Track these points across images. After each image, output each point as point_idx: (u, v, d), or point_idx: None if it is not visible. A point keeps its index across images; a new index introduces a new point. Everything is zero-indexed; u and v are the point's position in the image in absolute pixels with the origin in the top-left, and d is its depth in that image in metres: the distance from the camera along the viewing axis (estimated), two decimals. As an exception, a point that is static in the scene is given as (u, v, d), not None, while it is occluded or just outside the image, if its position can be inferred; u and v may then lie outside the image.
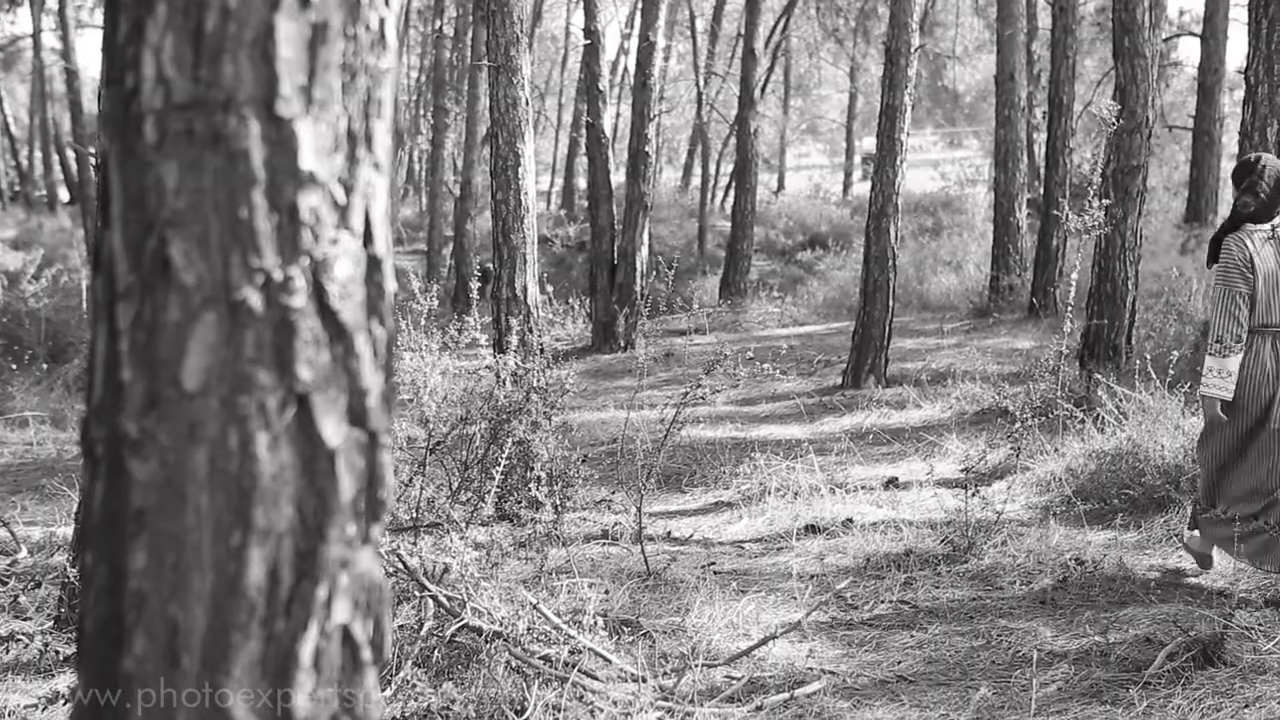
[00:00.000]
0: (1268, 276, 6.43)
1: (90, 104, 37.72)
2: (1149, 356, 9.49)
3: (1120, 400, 9.16)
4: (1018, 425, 8.32)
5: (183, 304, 2.04)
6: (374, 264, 2.20)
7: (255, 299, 2.04)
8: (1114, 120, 10.59)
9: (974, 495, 7.65)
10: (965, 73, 37.52)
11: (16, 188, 44.40)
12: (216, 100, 2.00)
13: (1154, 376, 9.07)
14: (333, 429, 2.12)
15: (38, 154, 45.69)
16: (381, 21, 2.15)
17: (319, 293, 2.09)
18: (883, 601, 6.66)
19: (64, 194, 41.13)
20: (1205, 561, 6.83)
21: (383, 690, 2.12)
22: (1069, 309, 9.80)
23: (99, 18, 40.58)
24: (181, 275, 2.04)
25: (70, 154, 39.41)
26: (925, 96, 33.94)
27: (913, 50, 12.95)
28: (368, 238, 2.17)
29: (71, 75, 35.16)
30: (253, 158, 2.03)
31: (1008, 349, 14.36)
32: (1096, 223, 9.94)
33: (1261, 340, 6.48)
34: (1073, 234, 10.00)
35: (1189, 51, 70.53)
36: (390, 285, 2.23)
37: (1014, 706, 5.22)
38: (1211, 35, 21.01)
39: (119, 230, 2.08)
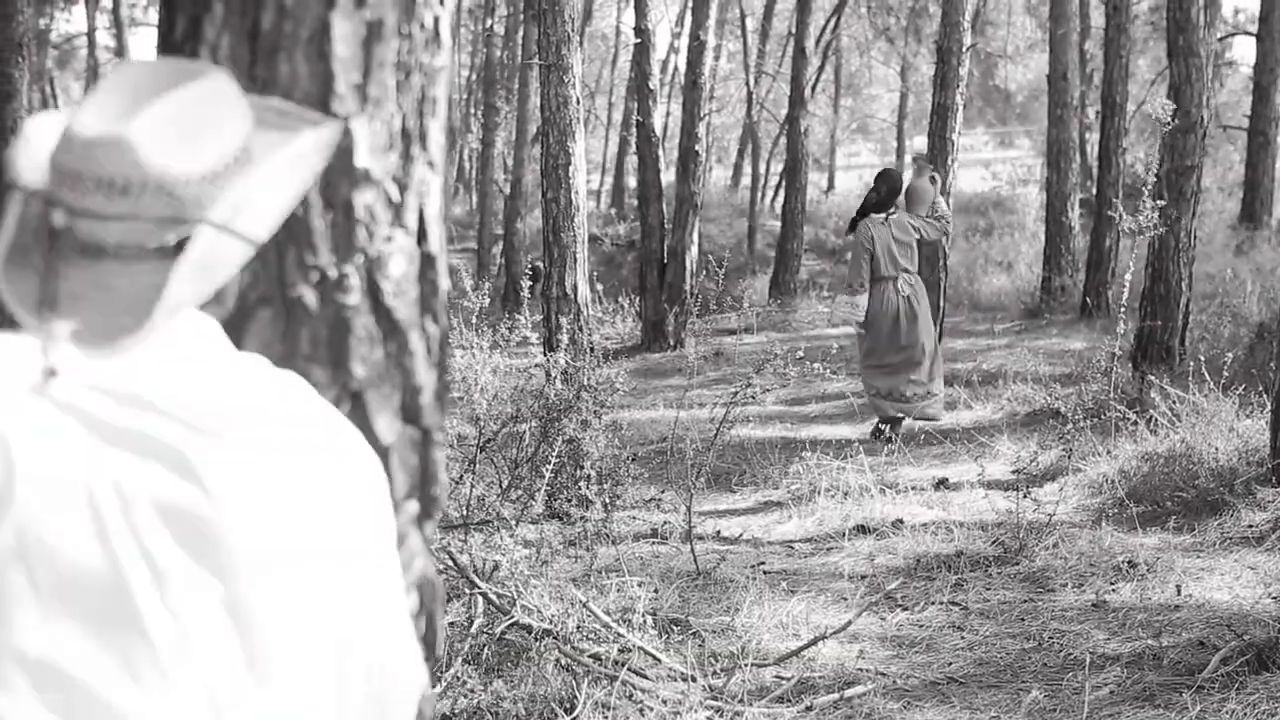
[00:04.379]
0: None
1: (144, 102, 37.92)
2: (1203, 358, 9.40)
3: (1173, 402, 9.08)
4: (1070, 426, 8.26)
5: (239, 301, 2.05)
6: (428, 261, 2.20)
7: (310, 296, 2.05)
8: (1168, 120, 10.50)
9: (1025, 496, 7.60)
10: (1017, 72, 37.32)
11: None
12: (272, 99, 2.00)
13: (1208, 378, 8.99)
14: (386, 426, 2.13)
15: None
16: (436, 20, 2.16)
17: (373, 290, 2.10)
18: (933, 603, 6.63)
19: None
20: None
21: (434, 687, 2.13)
22: (1122, 310, 9.73)
23: (153, 16, 40.88)
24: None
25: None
26: (977, 95, 33.81)
27: (964, 49, 12.89)
28: (422, 235, 2.18)
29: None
30: (308, 156, 2.03)
31: (1059, 350, 14.26)
32: (1151, 223, 9.86)
33: None
34: (1126, 234, 9.92)
35: (1244, 51, 69.94)
36: (444, 283, 2.24)
37: (1066, 709, 5.19)
38: (1267, 34, 20.79)
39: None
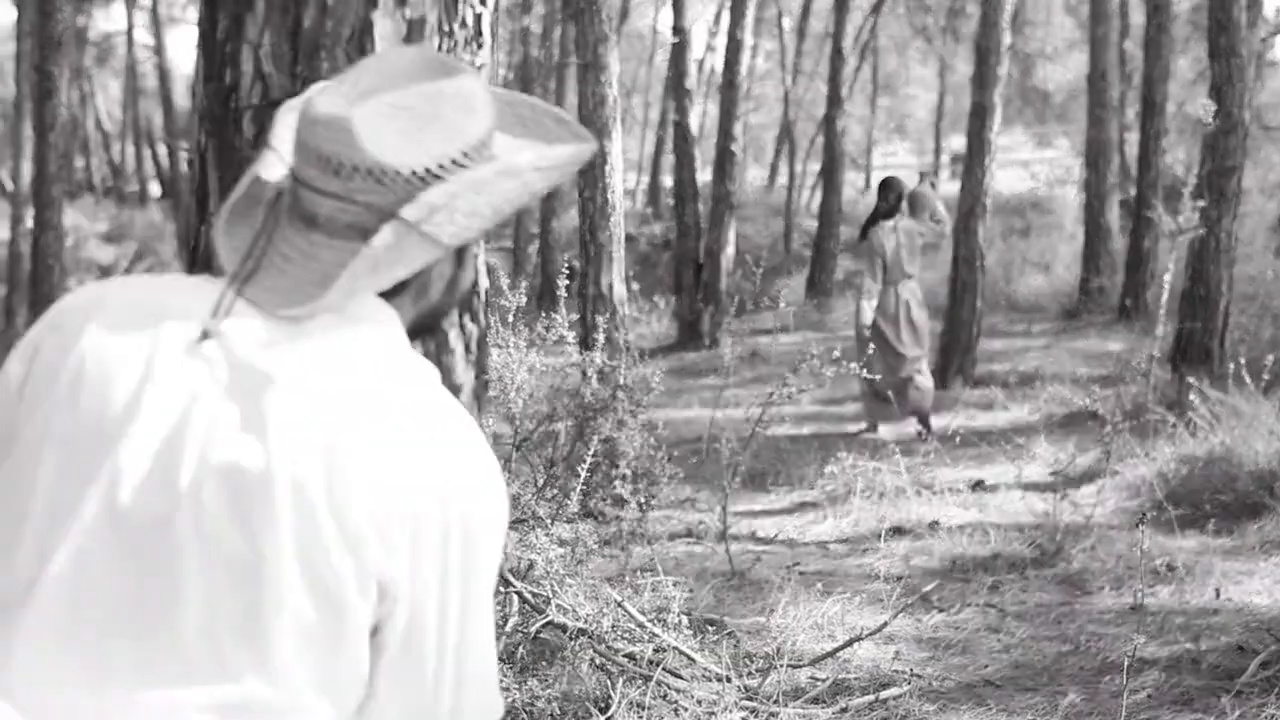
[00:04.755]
0: None
1: (181, 99, 38.18)
2: (1243, 360, 9.34)
3: (1213, 404, 9.02)
4: (1108, 429, 8.22)
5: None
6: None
7: (350, 294, 2.05)
8: (1209, 120, 10.43)
9: (1063, 498, 7.56)
10: (1055, 71, 37.10)
11: (109, 182, 45.04)
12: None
13: (1248, 380, 8.92)
14: (425, 424, 2.12)
15: (129, 149, 46.30)
16: (477, 18, 2.16)
17: (412, 288, 2.09)
18: (969, 605, 6.60)
19: (155, 188, 41.65)
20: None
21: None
22: (1161, 311, 9.67)
23: (190, 14, 41.07)
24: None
25: (162, 149, 39.92)
26: (1015, 95, 33.64)
27: (1003, 49, 12.83)
28: (460, 235, 2.18)
29: (164, 71, 35.65)
30: (349, 154, 2.03)
31: (1098, 351, 14.19)
32: (1191, 225, 9.80)
33: None
34: (1166, 236, 9.86)
35: (1286, 51, 69.21)
36: (483, 282, 2.24)
37: (1103, 713, 5.16)
38: (1310, 34, 20.65)
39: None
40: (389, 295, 1.76)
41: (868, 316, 10.93)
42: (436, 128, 1.68)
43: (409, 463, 1.61)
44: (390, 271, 1.69)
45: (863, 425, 11.41)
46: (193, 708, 1.57)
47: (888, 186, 11.28)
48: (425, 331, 1.97)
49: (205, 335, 1.61)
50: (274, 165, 1.75)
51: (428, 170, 1.67)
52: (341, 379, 1.63)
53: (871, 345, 10.35)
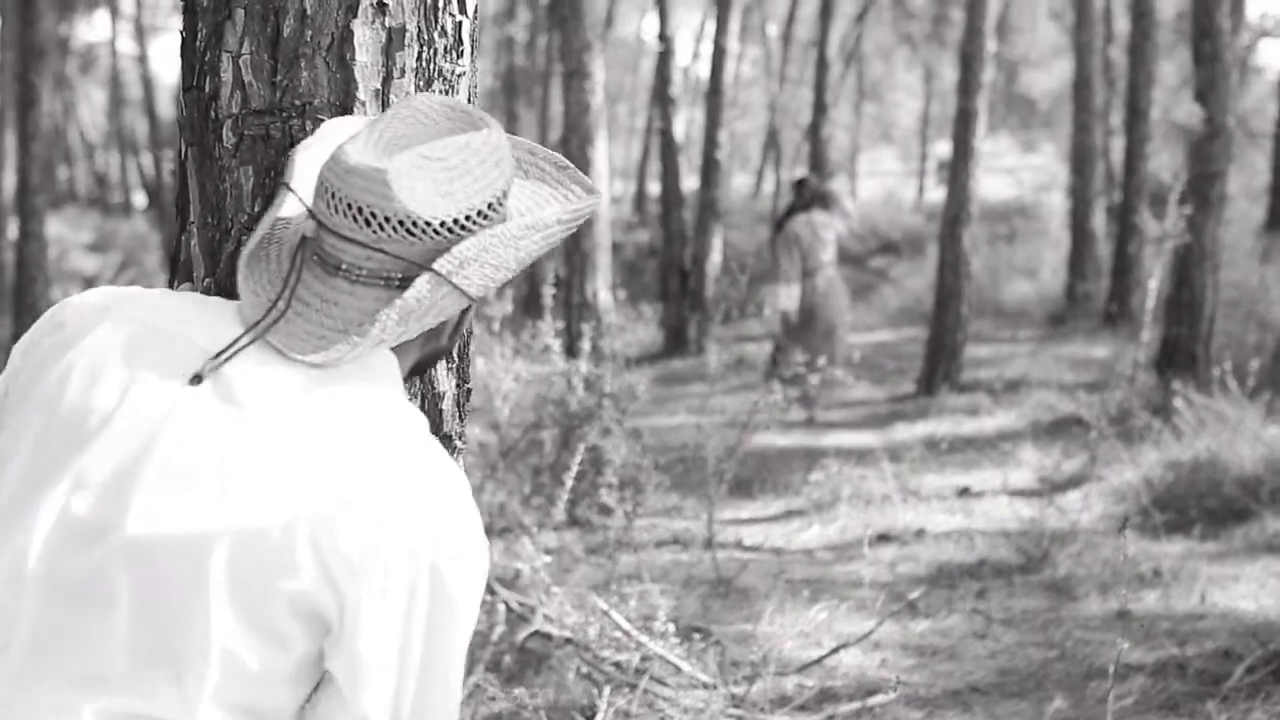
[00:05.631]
0: None
1: (165, 109, 38.16)
2: (1228, 366, 9.36)
3: (1198, 409, 9.04)
4: (1094, 434, 8.23)
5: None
6: (449, 269, 2.20)
7: (331, 304, 2.04)
8: (1194, 126, 10.46)
9: (1049, 505, 7.57)
10: (1040, 78, 37.20)
11: (94, 192, 44.97)
12: (293, 105, 2.01)
13: (1233, 386, 8.94)
14: (407, 434, 2.12)
15: (114, 158, 46.24)
16: (458, 26, 2.16)
17: (394, 297, 2.09)
18: (956, 611, 6.61)
19: (140, 199, 41.60)
20: None
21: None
22: (1146, 317, 9.69)
23: (174, 23, 41.03)
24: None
25: (146, 158, 39.87)
26: (1000, 101, 33.72)
27: (988, 55, 12.85)
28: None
29: (148, 80, 35.60)
30: (329, 162, 2.03)
31: (1083, 357, 14.21)
32: (1176, 230, 9.82)
33: None
34: (1151, 241, 9.87)
35: (1271, 55, 69.63)
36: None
37: (1089, 719, 5.16)
38: (1293, 39, 20.70)
39: (197, 234, 2.09)
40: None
41: (788, 303, 11.83)
42: (466, 181, 1.72)
43: (379, 513, 1.63)
44: (420, 322, 1.74)
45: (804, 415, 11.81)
46: (92, 712, 1.60)
47: (803, 184, 12.41)
48: (421, 372, 2.00)
49: (198, 379, 1.64)
50: (293, 205, 1.78)
51: (456, 222, 1.71)
52: (326, 427, 1.66)
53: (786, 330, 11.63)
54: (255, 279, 1.78)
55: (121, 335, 1.70)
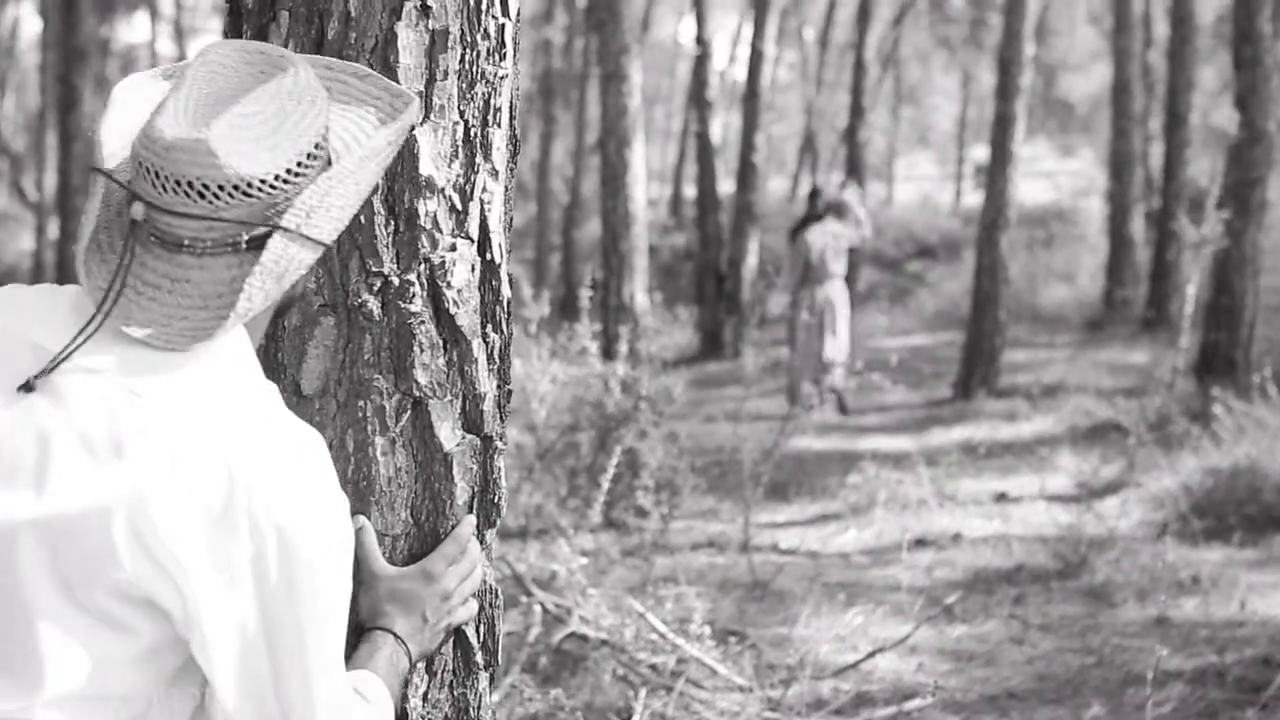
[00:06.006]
0: None
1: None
2: (1268, 372, 9.29)
3: (1238, 416, 8.98)
4: (1132, 440, 8.18)
5: (302, 309, 2.06)
6: (490, 270, 2.20)
7: (373, 304, 2.05)
8: (1234, 131, 10.39)
9: (1086, 511, 7.53)
10: (1079, 82, 37.01)
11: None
12: (336, 107, 2.01)
13: (1273, 392, 8.88)
14: (448, 433, 2.13)
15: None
16: (500, 28, 2.16)
17: (435, 298, 2.10)
18: (993, 616, 6.58)
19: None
20: None
21: (492, 695, 2.14)
22: (1185, 323, 9.64)
23: (213, 25, 41.21)
24: (302, 280, 2.06)
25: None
26: (1038, 106, 33.55)
27: (1026, 60, 12.81)
28: (484, 244, 2.18)
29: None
30: (372, 164, 2.04)
31: (1121, 363, 14.15)
32: (1215, 236, 9.76)
33: None
34: (1190, 247, 9.83)
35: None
36: (506, 291, 2.24)
37: (1127, 726, 5.14)
38: (1335, 43, 20.53)
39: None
40: None
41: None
42: (287, 128, 1.69)
43: (197, 488, 1.60)
44: (281, 282, 1.70)
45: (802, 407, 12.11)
46: None
47: (815, 195, 12.97)
48: (283, 315, 2.00)
49: (28, 387, 1.62)
50: (113, 189, 1.73)
51: (289, 172, 1.68)
52: (155, 408, 1.63)
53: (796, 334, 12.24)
54: (94, 273, 1.72)
55: None
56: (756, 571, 7.23)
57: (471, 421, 2.18)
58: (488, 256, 2.19)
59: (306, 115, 1.71)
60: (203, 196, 1.64)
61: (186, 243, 1.67)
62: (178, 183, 1.63)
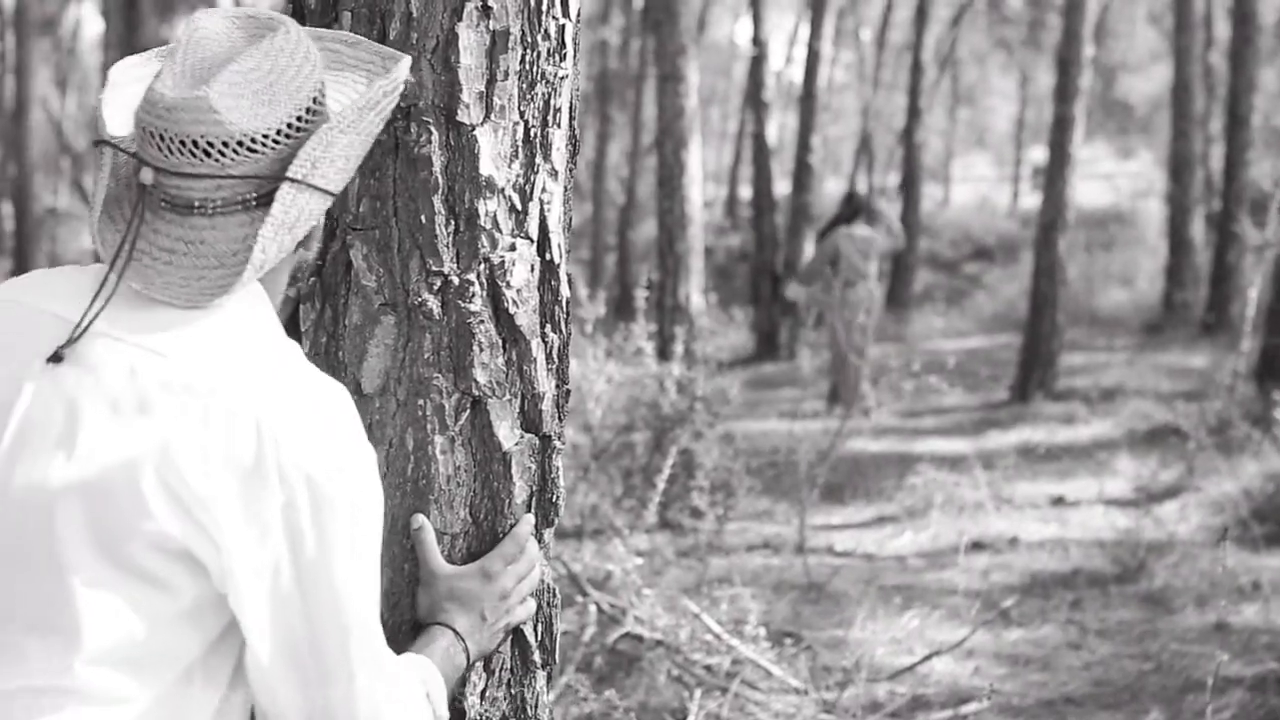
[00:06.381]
0: None
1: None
2: (1331, 376, 9.20)
3: (1300, 420, 8.89)
4: (1191, 444, 8.11)
5: (363, 307, 2.07)
6: (549, 270, 2.21)
7: (433, 303, 2.06)
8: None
9: (1145, 515, 7.48)
10: (1139, 83, 36.74)
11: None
12: (399, 108, 2.02)
13: (1336, 397, 8.79)
14: (507, 433, 2.14)
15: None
16: (561, 29, 2.17)
17: (495, 298, 2.11)
18: (1050, 621, 6.54)
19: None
20: None
21: (548, 694, 2.14)
22: (1246, 326, 9.55)
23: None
24: (362, 279, 2.07)
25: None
26: (1097, 108, 33.31)
27: (1085, 61, 12.72)
28: (543, 244, 2.19)
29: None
30: (433, 164, 2.06)
31: (1181, 366, 14.03)
32: (1277, 238, 9.66)
33: None
34: (1251, 249, 9.73)
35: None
36: (565, 291, 2.24)
37: (1186, 732, 5.10)
38: (1399, 45, 20.32)
39: (303, 234, 2.11)
40: None
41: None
42: (284, 81, 1.71)
43: (225, 438, 1.62)
44: (291, 234, 1.73)
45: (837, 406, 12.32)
46: None
47: (848, 199, 12.89)
48: (296, 285, 2.02)
49: (57, 358, 1.65)
50: (120, 158, 1.76)
51: (290, 126, 1.71)
52: (180, 366, 1.65)
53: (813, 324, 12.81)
54: (110, 244, 1.75)
55: None
56: (812, 573, 7.22)
57: (530, 421, 2.19)
58: (547, 256, 2.20)
59: (303, 69, 1.74)
60: (208, 154, 1.67)
61: (197, 204, 1.70)
62: (183, 143, 1.66)
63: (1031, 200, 32.44)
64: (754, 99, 18.30)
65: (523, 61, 2.12)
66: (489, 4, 2.06)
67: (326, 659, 1.69)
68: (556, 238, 2.22)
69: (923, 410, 12.42)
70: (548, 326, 2.21)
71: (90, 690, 1.61)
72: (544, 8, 2.13)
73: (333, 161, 1.74)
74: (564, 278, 2.25)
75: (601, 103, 27.92)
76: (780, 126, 31.17)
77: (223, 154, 1.66)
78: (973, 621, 6.28)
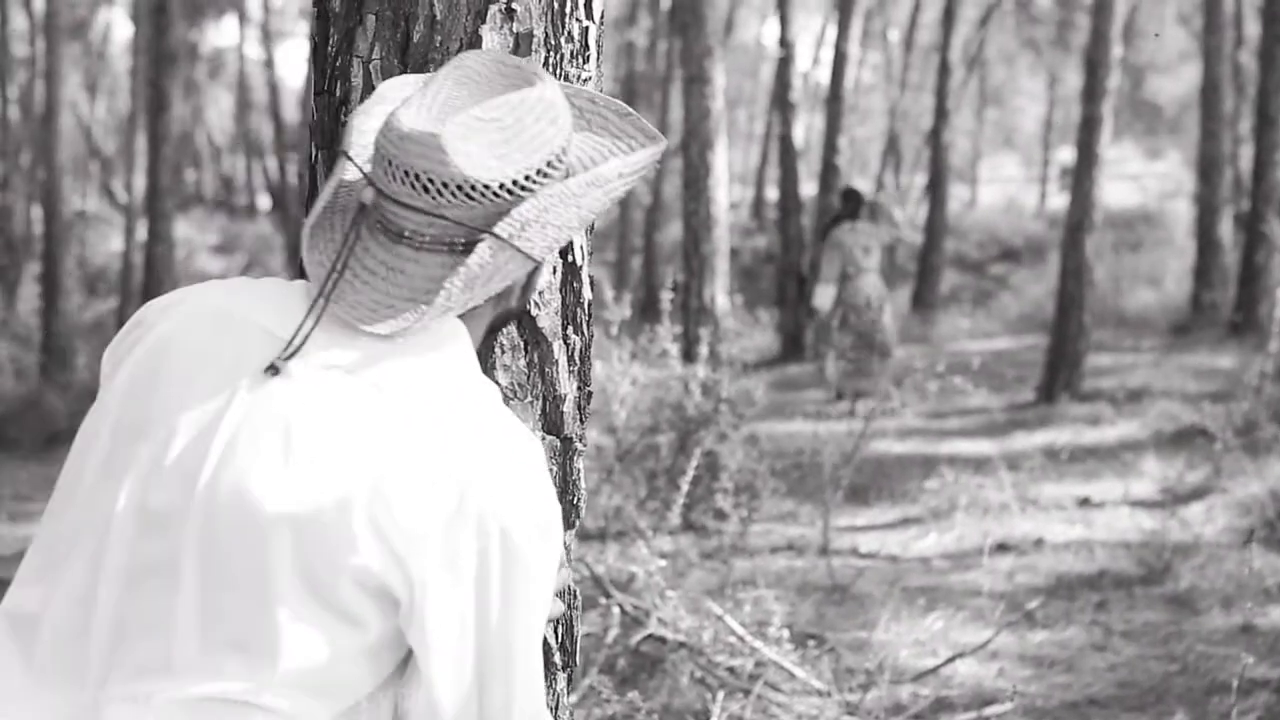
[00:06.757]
0: None
1: (290, 113, 38.70)
2: (1359, 377, 9.14)
3: (1328, 422, 8.85)
4: (1218, 445, 8.08)
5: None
6: (571, 272, 2.22)
7: (455, 305, 2.07)
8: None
9: (1171, 516, 7.45)
10: (1167, 83, 36.62)
11: (220, 195, 45.77)
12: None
13: (1364, 398, 8.75)
14: (528, 435, 2.14)
15: (240, 162, 47.02)
16: (584, 31, 2.18)
17: (517, 300, 2.11)
18: (1075, 622, 6.52)
19: (265, 201, 42.25)
20: None
21: (570, 695, 2.15)
22: (1274, 327, 9.50)
23: (300, 28, 41.67)
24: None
25: (271, 162, 40.49)
26: (1125, 108, 33.19)
27: (1114, 61, 12.68)
28: (566, 246, 2.19)
29: (274, 85, 36.16)
30: (455, 166, 2.06)
31: (1208, 367, 13.96)
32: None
33: None
34: None
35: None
36: (587, 293, 2.25)
37: (1211, 735, 5.08)
38: None
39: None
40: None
41: (823, 301, 12.92)
42: (523, 140, 1.71)
43: (437, 481, 1.64)
44: (485, 288, 1.73)
45: (833, 397, 12.76)
46: (165, 700, 1.63)
47: (849, 196, 13.18)
48: (497, 331, 2.03)
49: (274, 370, 1.66)
50: (353, 172, 1.78)
51: (515, 183, 1.70)
52: (390, 400, 1.66)
53: (838, 325, 12.69)
54: (319, 249, 1.78)
55: (191, 326, 1.73)
56: (836, 575, 7.21)
57: (551, 422, 2.19)
58: (569, 259, 2.21)
59: (544, 132, 1.73)
60: (426, 191, 1.68)
61: (407, 234, 1.72)
62: (405, 173, 1.68)
63: (1059, 201, 32.36)
64: (781, 100, 18.28)
65: (546, 64, 2.13)
66: (513, 6, 2.07)
67: (490, 709, 1.73)
68: (579, 240, 2.23)
69: (948, 411, 12.39)
70: (570, 329, 2.22)
71: (275, 708, 1.65)
72: (567, 10, 2.14)
73: (544, 228, 1.74)
74: (586, 280, 2.25)
75: (628, 104, 27.92)
76: (807, 128, 31.14)
77: (440, 194, 1.67)
78: (997, 623, 6.27)
